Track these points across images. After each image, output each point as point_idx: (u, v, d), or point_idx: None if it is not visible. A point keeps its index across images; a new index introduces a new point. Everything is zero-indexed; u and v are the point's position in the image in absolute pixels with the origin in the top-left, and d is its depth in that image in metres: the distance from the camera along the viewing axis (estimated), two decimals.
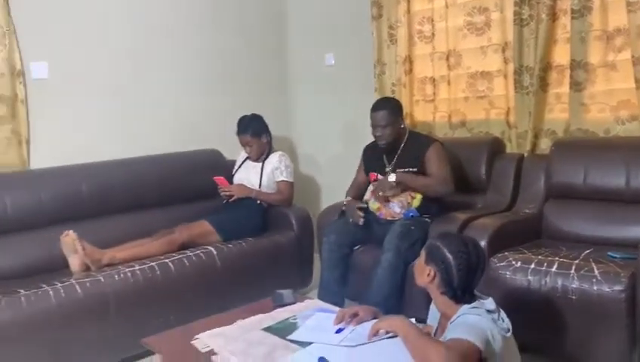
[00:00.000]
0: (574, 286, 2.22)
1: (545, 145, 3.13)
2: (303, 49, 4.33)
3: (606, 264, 2.26)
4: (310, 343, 1.77)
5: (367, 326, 1.82)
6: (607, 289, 2.15)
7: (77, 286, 2.47)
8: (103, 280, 2.55)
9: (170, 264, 2.77)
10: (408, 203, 2.93)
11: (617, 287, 2.13)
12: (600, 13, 2.85)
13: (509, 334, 1.73)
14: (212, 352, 1.78)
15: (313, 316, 2.00)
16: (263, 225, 3.35)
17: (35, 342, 2.32)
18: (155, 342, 1.93)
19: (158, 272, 2.71)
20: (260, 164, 3.48)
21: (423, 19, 3.58)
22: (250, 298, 2.48)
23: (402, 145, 3.01)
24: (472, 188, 3.19)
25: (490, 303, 1.76)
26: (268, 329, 1.93)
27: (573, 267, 2.27)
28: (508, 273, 2.41)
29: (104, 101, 3.39)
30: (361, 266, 2.95)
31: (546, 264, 2.34)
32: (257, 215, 3.35)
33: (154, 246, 2.94)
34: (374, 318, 1.90)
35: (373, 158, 3.13)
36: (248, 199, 3.35)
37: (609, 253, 2.41)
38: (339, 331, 1.84)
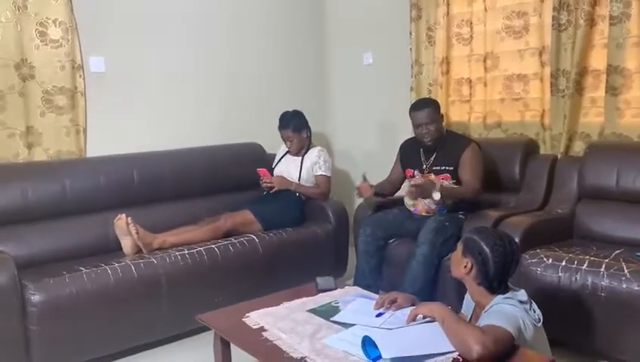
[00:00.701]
0: (604, 283, 2.32)
1: (578, 147, 3.21)
2: (341, 48, 4.47)
3: (636, 263, 2.35)
4: (352, 325, 1.91)
5: (406, 311, 1.95)
6: (637, 288, 2.24)
7: (132, 267, 2.66)
8: (155, 262, 2.74)
9: (216, 249, 2.94)
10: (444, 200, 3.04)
11: None
12: (638, 20, 2.91)
13: (539, 324, 1.84)
14: (262, 329, 1.94)
15: (354, 301, 2.14)
16: (301, 216, 3.50)
17: (95, 315, 2.52)
18: (209, 318, 2.09)
19: (206, 257, 2.89)
20: (300, 158, 3.63)
21: (461, 22, 3.68)
22: (289, 284, 2.62)
23: (440, 145, 3.12)
24: (506, 187, 3.29)
25: (522, 294, 1.88)
26: (312, 311, 2.08)
27: (604, 265, 2.37)
28: (539, 269, 2.52)
29: (155, 95, 3.60)
30: (395, 259, 3.08)
31: (576, 262, 2.44)
32: (296, 207, 3.50)
33: (201, 233, 3.12)
34: (412, 305, 2.03)
35: (411, 155, 3.25)
36: (288, 191, 3.51)
37: (638, 254, 2.50)
38: (379, 315, 1.98)
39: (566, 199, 3.08)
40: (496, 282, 1.85)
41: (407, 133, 3.98)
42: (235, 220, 3.26)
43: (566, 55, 3.16)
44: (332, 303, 2.16)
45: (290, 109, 3.70)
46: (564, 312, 2.41)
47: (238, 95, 4.01)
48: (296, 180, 3.56)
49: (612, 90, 3.03)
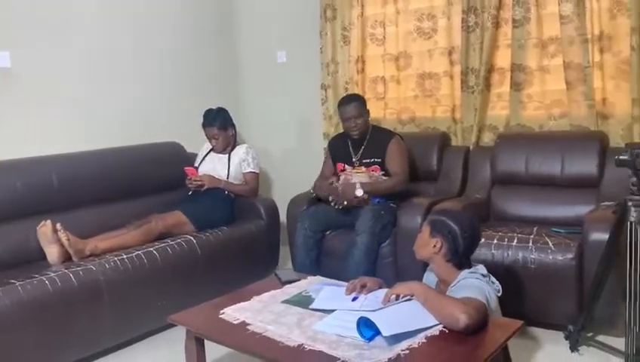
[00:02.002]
0: (533, 256, 2.61)
1: (487, 138, 3.55)
2: (254, 46, 4.47)
3: (556, 237, 2.67)
4: (332, 310, 1.97)
5: (378, 293, 2.05)
6: (561, 258, 2.56)
7: (71, 275, 2.47)
8: (94, 268, 2.57)
9: (155, 252, 2.83)
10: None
11: (569, 255, 2.55)
12: (536, 24, 3.29)
13: (499, 294, 2.04)
14: (245, 323, 1.92)
15: (323, 289, 2.20)
16: (232, 215, 3.46)
17: (35, 328, 2.31)
18: (182, 318, 2.03)
19: (145, 260, 2.76)
20: (226, 155, 3.59)
21: (375, 23, 3.87)
22: (229, 282, 2.67)
23: (367, 138, 3.27)
24: (424, 177, 3.53)
25: (482, 269, 2.07)
26: (287, 302, 2.11)
27: (531, 241, 2.66)
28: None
29: (68, 94, 3.35)
30: (333, 250, 3.18)
31: (507, 239, 2.71)
32: (227, 205, 3.46)
33: (132, 236, 2.97)
34: (380, 287, 2.13)
35: (341, 150, 3.36)
36: (217, 190, 3.45)
37: (553, 229, 2.84)
38: (354, 299, 2.06)
39: (481, 185, 3.38)
40: (465, 257, 2.02)
41: (322, 129, 4.13)
42: (167, 222, 3.15)
43: (475, 54, 3.47)
44: (302, 293, 2.20)
45: (204, 108, 3.64)
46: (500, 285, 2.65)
47: (151, 94, 3.84)
48: (225, 178, 3.52)
49: (516, 86, 3.39)
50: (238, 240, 3.29)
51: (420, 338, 1.73)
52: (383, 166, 3.22)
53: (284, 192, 4.00)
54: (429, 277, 2.22)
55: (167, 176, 3.59)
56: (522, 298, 2.63)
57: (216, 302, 2.13)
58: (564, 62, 3.20)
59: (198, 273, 3.00)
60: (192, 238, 3.05)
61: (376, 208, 3.08)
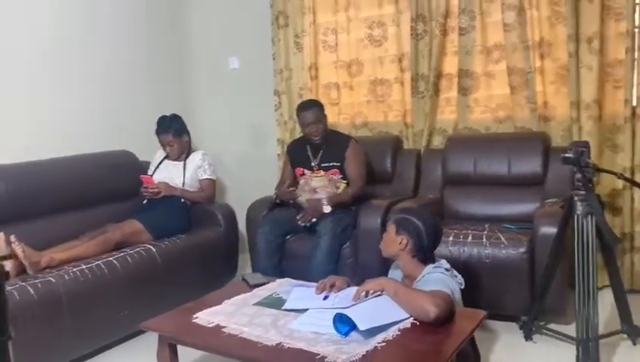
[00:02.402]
0: (487, 251, 2.74)
1: (437, 141, 3.69)
2: (205, 53, 4.46)
3: (508, 233, 2.82)
4: (305, 310, 2.01)
5: (347, 291, 2.11)
6: (514, 252, 2.70)
7: (29, 288, 2.39)
8: (54, 280, 2.49)
9: (115, 262, 2.77)
10: (334, 192, 3.26)
11: (521, 249, 2.70)
12: (482, 31, 3.46)
13: (462, 287, 2.15)
14: (219, 326, 1.93)
15: (293, 290, 2.23)
16: (189, 222, 3.44)
17: None
18: (155, 324, 2.01)
19: (106, 270, 2.70)
20: (182, 163, 3.56)
21: (327, 30, 3.95)
22: (189, 290, 2.71)
23: (326, 142, 3.34)
24: (379, 179, 3.63)
25: (445, 263, 2.17)
26: (259, 304, 2.13)
27: (484, 237, 2.80)
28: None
29: (11, 102, 3.23)
30: (294, 253, 3.22)
31: (462, 236, 2.84)
32: (183, 213, 3.43)
33: (89, 247, 2.90)
34: (348, 285, 2.19)
35: (299, 155, 3.41)
36: (173, 198, 3.42)
37: (504, 225, 2.99)
38: (325, 298, 2.10)
39: (433, 186, 3.51)
40: (429, 252, 2.11)
41: (276, 135, 4.17)
42: (124, 231, 3.09)
43: (424, 61, 3.61)
44: (273, 295, 2.23)
45: (155, 115, 3.60)
46: None
47: (98, 102, 3.74)
48: (181, 186, 3.49)
49: (463, 91, 3.55)
50: (197, 247, 3.27)
51: (393, 331, 1.80)
52: (341, 169, 3.29)
53: (239, 198, 4.01)
54: (395, 274, 2.29)
55: (121, 185, 3.52)
56: (478, 291, 2.74)
57: (187, 307, 2.13)
58: (507, 67, 3.39)
59: (159, 282, 2.96)
60: (151, 247, 3.01)
61: (337, 211, 3.15)
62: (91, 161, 3.43)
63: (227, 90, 4.41)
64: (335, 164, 3.30)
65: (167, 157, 3.60)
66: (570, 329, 2.47)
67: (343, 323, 1.81)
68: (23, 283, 2.41)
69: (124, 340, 2.78)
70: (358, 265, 3.10)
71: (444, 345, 1.73)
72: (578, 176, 2.42)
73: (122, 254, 2.86)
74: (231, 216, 3.55)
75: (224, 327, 1.91)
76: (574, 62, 3.16)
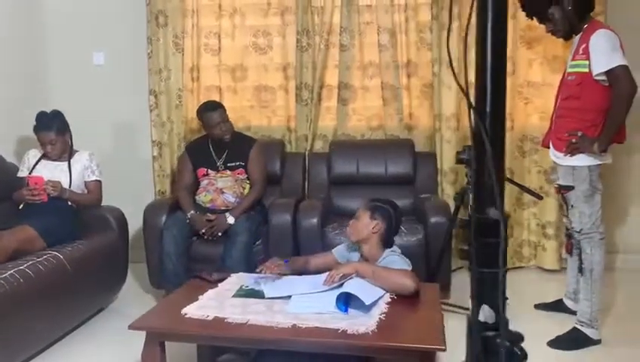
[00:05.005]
0: None
1: (318, 145, 4.04)
2: (65, 46, 4.10)
3: (406, 223, 3.28)
4: (288, 297, 2.14)
5: (310, 278, 2.29)
6: (413, 239, 3.17)
7: None
8: None
9: (28, 271, 2.50)
10: (241, 192, 3.37)
11: (419, 236, 3.18)
12: (360, 49, 3.92)
13: (410, 268, 2.49)
14: (219, 318, 1.95)
15: (260, 281, 2.30)
16: (78, 228, 3.19)
17: None
18: (146, 323, 1.93)
19: (22, 280, 2.42)
20: (65, 163, 3.27)
21: (209, 34, 4.00)
22: (94, 297, 2.90)
23: (230, 142, 3.41)
24: (269, 181, 3.81)
25: (397, 249, 2.49)
26: (239, 296, 2.18)
27: None
28: (343, 238, 3.19)
29: None
30: (202, 255, 3.24)
31: None
32: (74, 217, 3.17)
33: None
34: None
35: (201, 155, 3.43)
36: (59, 201, 3.13)
37: None
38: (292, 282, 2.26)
39: (320, 186, 3.84)
40: (393, 237, 2.42)
41: (150, 136, 4.06)
42: (18, 238, 2.77)
43: (307, 72, 3.92)
44: (243, 287, 2.29)
45: (12, 112, 3.29)
46: None
47: None
48: (66, 187, 3.21)
49: (343, 101, 3.96)
50: (98, 253, 3.08)
51: (382, 305, 2.06)
52: (246, 169, 3.41)
53: (112, 201, 3.79)
54: (353, 258, 2.51)
55: None
56: None
57: (165, 307, 2.08)
58: (381, 82, 3.89)
59: (69, 290, 2.74)
60: (57, 253, 2.76)
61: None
62: None
63: (91, 88, 4.13)
64: (241, 163, 3.40)
65: (44, 156, 3.27)
66: (458, 302, 3.01)
67: (339, 302, 2.02)
68: None
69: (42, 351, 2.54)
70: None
71: (431, 310, 2.06)
72: (471, 173, 2.99)
73: (32, 262, 2.58)
74: (122, 220, 3.38)
75: (226, 318, 1.95)
76: (437, 80, 3.80)
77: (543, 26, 2.88)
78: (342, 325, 1.88)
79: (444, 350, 1.72)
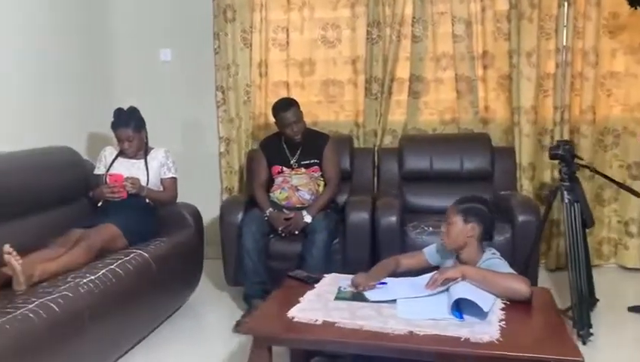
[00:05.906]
0: None
1: (387, 140, 3.92)
2: (132, 43, 4.08)
3: None
4: (393, 301, 2.05)
5: (417, 279, 2.19)
6: (501, 238, 3.04)
7: (53, 305, 2.03)
8: (71, 294, 2.14)
9: (118, 269, 2.48)
10: (317, 189, 3.29)
11: (507, 235, 3.05)
12: (433, 40, 3.79)
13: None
14: (328, 322, 1.88)
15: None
16: (157, 225, 3.16)
17: None
18: (251, 328, 1.88)
19: (114, 279, 2.40)
20: (142, 160, 3.25)
21: (278, 28, 3.93)
22: (175, 296, 2.88)
23: (304, 140, 3.34)
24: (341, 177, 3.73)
25: (494, 250, 2.35)
26: (341, 299, 2.10)
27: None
28: (424, 237, 3.08)
29: None
30: (280, 252, 3.17)
31: (438, 227, 3.06)
32: (153, 215, 3.15)
33: (74, 255, 2.53)
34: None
35: (276, 153, 3.36)
36: (137, 199, 3.10)
37: None
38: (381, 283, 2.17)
39: (391, 182, 3.73)
40: (492, 233, 2.29)
41: (217, 132, 4.02)
42: (103, 237, 2.75)
43: (378, 65, 3.81)
44: (341, 289, 2.20)
45: (82, 109, 3.27)
46: None
47: (19, 98, 3.20)
48: (144, 185, 3.18)
49: (414, 94, 3.84)
50: (179, 251, 3.04)
51: (497, 312, 1.94)
52: (321, 166, 3.33)
53: (180, 199, 3.76)
54: (447, 262, 2.39)
55: (65, 186, 3.09)
56: None
57: (269, 310, 2.02)
58: (455, 74, 3.75)
59: (155, 288, 2.72)
60: (142, 252, 2.73)
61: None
62: (29, 158, 2.93)
63: (158, 85, 4.10)
64: (316, 161, 3.32)
65: (121, 153, 3.25)
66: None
67: (457, 310, 1.91)
68: (42, 300, 2.03)
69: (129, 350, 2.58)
70: (346, 260, 3.17)
71: (550, 316, 1.94)
72: (564, 169, 2.85)
73: (121, 261, 2.55)
74: (198, 217, 3.34)
75: (336, 323, 1.87)
76: (516, 72, 3.63)
77: (627, 14, 2.69)
78: (463, 333, 1.78)
79: (583, 361, 1.60)
